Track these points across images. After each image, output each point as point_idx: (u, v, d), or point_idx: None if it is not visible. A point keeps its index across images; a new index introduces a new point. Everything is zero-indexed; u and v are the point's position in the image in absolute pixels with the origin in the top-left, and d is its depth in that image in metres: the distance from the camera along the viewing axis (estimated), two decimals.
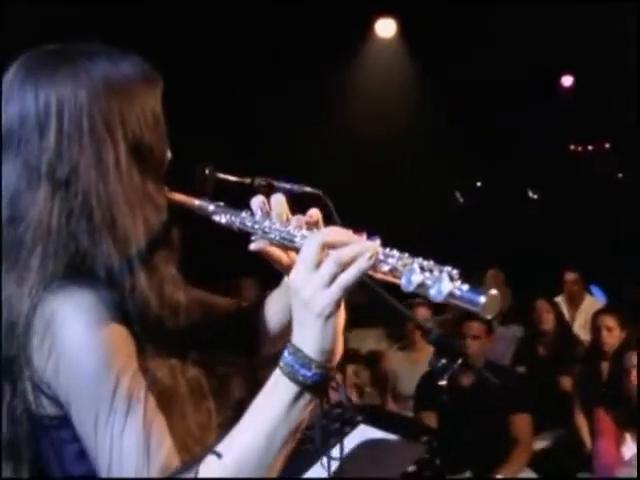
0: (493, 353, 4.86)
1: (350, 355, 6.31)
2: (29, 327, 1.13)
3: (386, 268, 1.03)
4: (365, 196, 8.11)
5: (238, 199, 1.38)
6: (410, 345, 5.39)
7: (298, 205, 1.64)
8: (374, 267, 1.03)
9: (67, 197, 1.17)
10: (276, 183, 1.56)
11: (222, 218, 1.25)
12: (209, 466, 1.07)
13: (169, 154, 1.31)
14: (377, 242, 1.06)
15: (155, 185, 1.24)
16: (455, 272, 0.98)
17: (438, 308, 5.68)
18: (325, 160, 8.03)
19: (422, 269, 1.00)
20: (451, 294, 0.97)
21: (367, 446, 2.23)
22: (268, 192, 1.53)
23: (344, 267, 1.03)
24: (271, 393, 1.08)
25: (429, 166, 8.84)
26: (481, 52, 7.92)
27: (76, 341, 1.10)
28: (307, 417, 1.09)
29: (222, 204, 1.28)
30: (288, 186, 1.57)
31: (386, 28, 8.69)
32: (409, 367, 5.20)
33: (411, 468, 2.23)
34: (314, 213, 1.23)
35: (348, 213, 1.44)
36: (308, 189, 1.62)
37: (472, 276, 1.04)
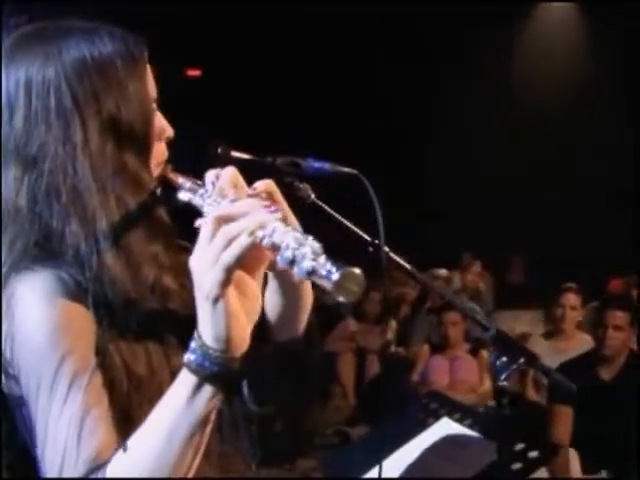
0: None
1: None
2: None
3: (267, 243, 0.97)
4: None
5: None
6: (557, 333, 5.07)
7: (332, 186, 1.53)
8: (261, 243, 0.97)
9: (35, 177, 1.15)
10: (303, 162, 1.46)
11: (185, 196, 1.18)
12: (117, 462, 1.03)
13: (169, 131, 1.27)
14: (277, 215, 0.99)
15: (137, 162, 1.20)
16: (318, 246, 0.93)
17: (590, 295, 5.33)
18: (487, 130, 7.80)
19: (296, 247, 0.94)
20: (313, 270, 0.91)
21: (444, 441, 2.13)
22: (295, 173, 1.44)
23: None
24: (174, 384, 1.03)
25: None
26: None
27: (26, 318, 1.10)
28: (214, 409, 1.03)
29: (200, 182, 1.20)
30: (317, 165, 1.47)
31: None
32: (554, 356, 4.90)
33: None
34: (259, 186, 1.13)
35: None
36: (343, 169, 1.51)
37: None
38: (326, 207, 1.48)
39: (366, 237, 1.52)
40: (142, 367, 1.16)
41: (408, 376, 5.22)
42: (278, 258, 0.96)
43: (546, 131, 8.55)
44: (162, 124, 1.27)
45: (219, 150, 1.39)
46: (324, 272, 0.92)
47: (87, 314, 1.13)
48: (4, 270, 1.14)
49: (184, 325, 1.20)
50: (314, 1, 7.40)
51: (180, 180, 1.23)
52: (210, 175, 1.15)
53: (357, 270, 0.92)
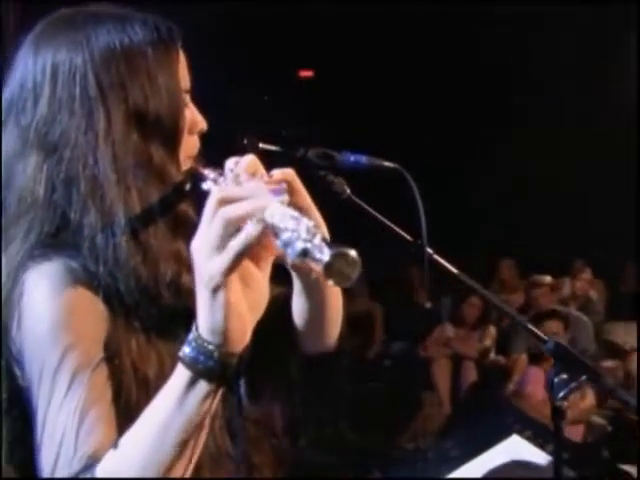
0: None
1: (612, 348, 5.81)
2: (8, 298, 1.10)
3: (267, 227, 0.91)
4: None
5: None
6: None
7: (373, 181, 1.42)
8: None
9: (56, 165, 1.13)
10: (337, 155, 1.35)
11: (207, 186, 1.12)
12: (108, 458, 0.99)
13: (202, 125, 1.22)
14: (280, 198, 0.94)
15: (163, 155, 1.15)
16: (312, 225, 0.87)
17: None
18: None
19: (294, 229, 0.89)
20: (305, 252, 0.85)
21: (507, 464, 2.00)
22: (329, 166, 1.35)
23: (236, 228, 0.92)
24: (170, 379, 0.98)
25: None
26: None
27: (32, 309, 1.07)
28: (209, 410, 0.96)
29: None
30: (352, 158, 1.36)
31: None
32: None
33: None
34: (276, 174, 1.06)
35: None
36: (383, 162, 1.39)
37: None
38: (363, 204, 1.37)
39: (407, 237, 1.40)
40: (152, 369, 1.12)
41: (504, 386, 5.02)
42: (277, 242, 0.89)
43: None
44: (195, 117, 1.23)
45: (245, 142, 1.31)
46: (317, 254, 0.85)
47: (96, 308, 1.10)
48: (18, 258, 1.11)
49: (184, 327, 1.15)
50: (428, 2, 7.24)
51: (206, 172, 1.17)
52: (229, 163, 1.10)
53: (352, 252, 0.85)
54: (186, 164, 1.21)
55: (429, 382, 5.71)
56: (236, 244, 0.91)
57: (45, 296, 1.07)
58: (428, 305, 6.44)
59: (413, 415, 5.19)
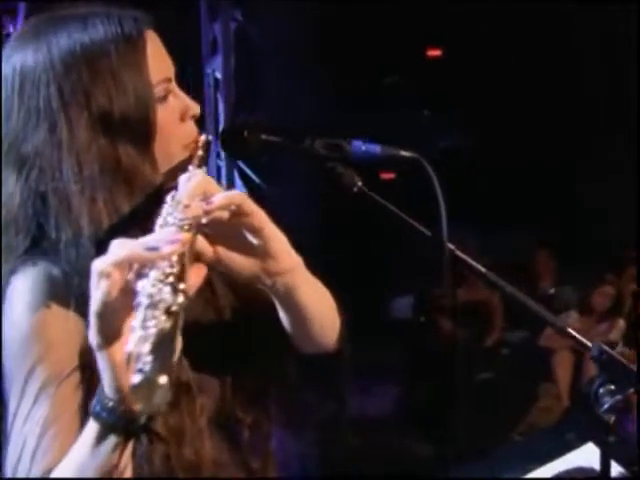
0: None
1: None
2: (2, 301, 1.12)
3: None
4: None
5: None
6: None
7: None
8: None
9: (26, 179, 1.12)
10: (346, 145, 1.27)
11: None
12: None
13: (194, 109, 1.19)
14: (161, 252, 0.91)
15: (135, 155, 1.13)
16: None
17: None
18: None
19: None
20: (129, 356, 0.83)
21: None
22: (339, 157, 1.28)
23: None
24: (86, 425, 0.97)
25: None
26: None
27: (9, 318, 1.09)
28: (123, 456, 0.95)
29: None
30: (364, 148, 1.27)
31: None
32: None
33: None
34: (218, 200, 1.02)
35: None
36: (399, 152, 1.30)
37: None
38: (376, 197, 1.28)
39: (426, 231, 1.30)
40: None
41: None
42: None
43: None
44: (185, 103, 1.19)
45: (245, 134, 1.24)
46: (138, 365, 0.81)
47: (71, 317, 1.09)
48: (8, 268, 1.12)
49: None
50: None
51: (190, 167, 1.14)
52: (182, 180, 1.06)
53: (162, 380, 0.80)
54: (183, 154, 1.18)
55: (548, 373, 5.48)
56: (93, 302, 0.90)
57: (22, 307, 1.08)
58: (552, 291, 6.18)
59: (528, 407, 4.99)
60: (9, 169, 1.14)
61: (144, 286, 0.87)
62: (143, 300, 0.86)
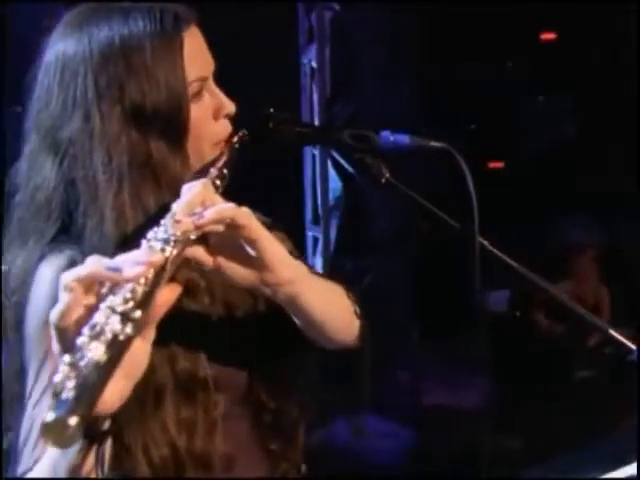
0: None
1: None
2: (28, 286, 1.15)
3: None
4: None
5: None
6: None
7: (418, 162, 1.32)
8: None
9: (60, 166, 1.15)
10: (374, 136, 1.25)
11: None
12: None
13: (229, 108, 1.20)
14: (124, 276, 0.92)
15: (166, 150, 1.14)
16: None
17: None
18: None
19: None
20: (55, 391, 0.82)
21: None
22: (366, 148, 1.27)
23: None
24: None
25: None
26: None
27: (32, 303, 1.13)
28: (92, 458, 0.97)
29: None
30: (392, 138, 1.25)
31: None
32: None
33: None
34: (209, 215, 1.02)
35: None
36: (429, 143, 1.26)
37: None
38: (405, 188, 1.26)
39: (454, 224, 1.27)
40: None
41: None
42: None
43: None
44: (219, 101, 1.21)
45: (270, 125, 1.24)
46: (55, 401, 0.80)
47: None
48: (37, 254, 1.15)
49: (195, 328, 1.16)
50: None
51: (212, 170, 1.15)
52: (184, 189, 1.07)
53: (72, 421, 0.78)
54: (214, 151, 1.20)
55: None
56: (51, 315, 0.91)
57: (45, 294, 1.11)
58: None
59: (628, 409, 4.77)
60: (45, 154, 1.17)
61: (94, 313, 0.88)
62: (85, 330, 0.86)
